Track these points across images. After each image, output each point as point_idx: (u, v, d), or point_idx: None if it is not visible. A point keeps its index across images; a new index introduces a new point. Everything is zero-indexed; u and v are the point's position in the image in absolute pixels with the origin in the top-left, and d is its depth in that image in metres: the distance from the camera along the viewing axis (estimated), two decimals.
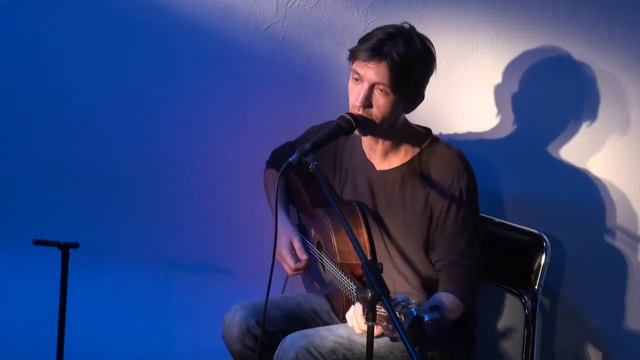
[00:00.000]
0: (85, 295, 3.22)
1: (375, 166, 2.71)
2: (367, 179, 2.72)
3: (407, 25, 2.59)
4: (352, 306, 2.41)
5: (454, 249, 2.59)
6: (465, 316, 2.68)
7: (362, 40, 2.57)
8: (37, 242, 2.64)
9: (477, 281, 2.62)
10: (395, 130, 2.64)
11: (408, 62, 2.52)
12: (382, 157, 2.69)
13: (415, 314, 2.12)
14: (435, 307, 2.23)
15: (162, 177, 3.28)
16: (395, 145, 2.67)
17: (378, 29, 2.58)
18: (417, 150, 2.66)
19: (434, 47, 2.59)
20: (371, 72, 2.52)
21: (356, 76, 2.56)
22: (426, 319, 2.14)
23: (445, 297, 2.51)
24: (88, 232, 3.23)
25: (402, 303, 2.16)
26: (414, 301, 2.18)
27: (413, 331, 2.12)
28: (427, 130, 2.72)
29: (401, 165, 2.66)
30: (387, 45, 2.51)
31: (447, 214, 2.60)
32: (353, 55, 2.57)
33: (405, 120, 2.68)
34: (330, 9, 3.15)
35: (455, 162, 2.62)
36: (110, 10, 3.18)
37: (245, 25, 3.17)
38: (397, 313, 2.13)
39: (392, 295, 2.15)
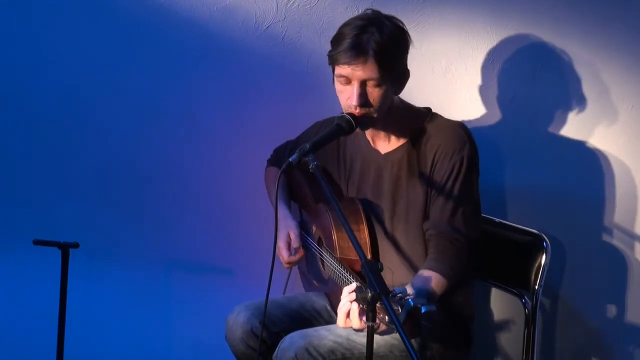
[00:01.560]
0: (85, 295, 3.22)
1: (380, 151, 2.71)
2: (374, 166, 2.71)
3: (370, 12, 2.58)
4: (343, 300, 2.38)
5: (446, 219, 2.56)
6: (463, 315, 2.68)
7: (336, 41, 2.55)
8: (37, 242, 2.64)
9: (464, 260, 2.57)
10: (393, 113, 2.62)
11: (389, 47, 2.51)
12: (386, 141, 2.69)
13: (412, 304, 2.10)
14: (432, 298, 2.19)
15: (162, 176, 3.28)
16: (397, 126, 2.66)
17: (345, 25, 2.56)
18: (419, 126, 2.66)
19: (402, 22, 2.58)
20: (358, 71, 2.51)
21: (343, 78, 2.55)
22: (423, 310, 2.11)
23: (430, 280, 2.47)
24: (88, 232, 3.23)
25: (400, 295, 2.14)
26: (411, 292, 2.16)
27: (410, 322, 2.10)
28: (428, 109, 2.71)
29: (405, 143, 2.66)
30: (364, 39, 2.50)
31: (445, 182, 2.58)
32: (334, 60, 2.55)
33: (401, 100, 2.67)
34: (330, 9, 3.15)
35: (459, 131, 2.61)
36: (110, 11, 3.18)
37: (245, 25, 3.18)
38: (393, 305, 2.12)
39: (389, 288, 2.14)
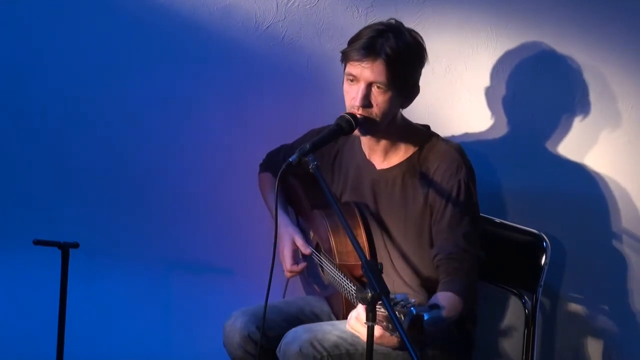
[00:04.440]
0: (85, 295, 3.22)
1: (376, 166, 2.71)
2: (369, 179, 2.72)
3: (393, 21, 2.59)
4: (355, 310, 2.37)
5: (452, 241, 2.56)
6: (465, 316, 2.68)
7: (352, 41, 2.57)
8: (37, 242, 2.64)
9: (476, 278, 2.58)
10: (394, 127, 2.64)
11: (402, 55, 2.52)
12: (382, 156, 2.69)
13: (414, 312, 2.09)
14: (435, 306, 2.20)
15: (162, 177, 3.28)
16: (395, 143, 2.67)
17: (366, 27, 2.58)
18: (416, 146, 2.66)
19: (422, 39, 2.60)
20: (367, 71, 2.52)
21: (351, 77, 2.55)
22: (426, 317, 2.11)
23: (443, 297, 2.48)
24: (88, 232, 3.23)
25: (402, 302, 2.14)
26: (413, 300, 2.16)
27: (413, 330, 2.10)
28: (426, 127, 2.72)
29: (401, 163, 2.66)
30: (378, 42, 2.51)
31: (445, 207, 2.58)
32: (346, 57, 2.57)
33: (403, 117, 2.68)
34: (330, 9, 3.15)
35: (454, 155, 2.62)
36: (109, 11, 3.18)
37: (245, 25, 3.17)
38: (396, 313, 2.12)
39: (391, 294, 2.13)
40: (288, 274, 2.86)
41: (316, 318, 2.86)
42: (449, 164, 2.61)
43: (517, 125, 3.13)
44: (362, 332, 2.31)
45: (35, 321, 3.25)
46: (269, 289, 2.49)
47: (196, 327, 3.34)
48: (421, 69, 2.61)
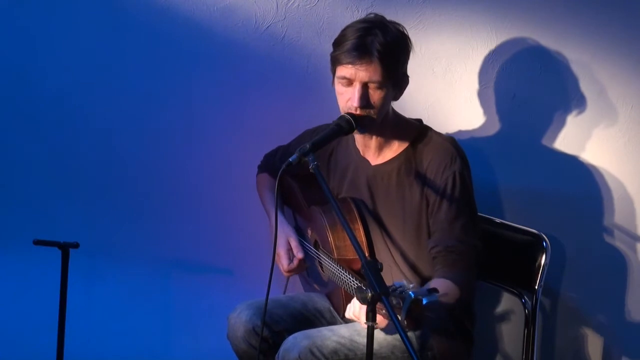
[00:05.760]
0: (85, 295, 3.22)
1: (371, 162, 2.71)
2: (364, 176, 2.72)
3: (373, 15, 2.59)
4: (352, 303, 2.38)
5: (449, 234, 2.56)
6: (464, 315, 2.69)
7: (339, 43, 2.55)
8: (37, 242, 2.64)
9: (474, 270, 2.57)
10: (387, 123, 2.63)
11: (392, 49, 2.52)
12: (376, 152, 2.69)
13: (412, 296, 2.08)
14: (434, 289, 2.19)
15: (161, 176, 3.28)
16: (388, 138, 2.67)
17: (348, 27, 2.56)
18: (410, 140, 2.66)
19: (404, 28, 2.59)
20: (362, 72, 2.51)
21: (345, 80, 2.54)
22: (424, 302, 2.10)
23: (439, 283, 2.47)
24: (88, 232, 3.23)
25: (400, 288, 2.13)
26: (412, 284, 2.15)
27: (411, 315, 2.09)
28: (419, 121, 2.72)
29: (396, 157, 2.67)
30: (368, 40, 2.50)
31: (441, 199, 2.58)
32: (337, 61, 2.55)
33: (395, 112, 2.68)
34: (330, 9, 3.15)
35: (448, 147, 2.62)
36: (109, 10, 3.18)
37: (245, 25, 3.18)
38: (394, 299, 2.11)
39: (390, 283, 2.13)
40: (286, 274, 2.87)
41: (319, 314, 2.86)
42: (443, 156, 2.60)
43: (517, 125, 3.13)
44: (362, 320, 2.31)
45: (35, 321, 3.25)
46: (269, 288, 2.49)
47: (196, 327, 3.34)
48: (408, 58, 2.61)
